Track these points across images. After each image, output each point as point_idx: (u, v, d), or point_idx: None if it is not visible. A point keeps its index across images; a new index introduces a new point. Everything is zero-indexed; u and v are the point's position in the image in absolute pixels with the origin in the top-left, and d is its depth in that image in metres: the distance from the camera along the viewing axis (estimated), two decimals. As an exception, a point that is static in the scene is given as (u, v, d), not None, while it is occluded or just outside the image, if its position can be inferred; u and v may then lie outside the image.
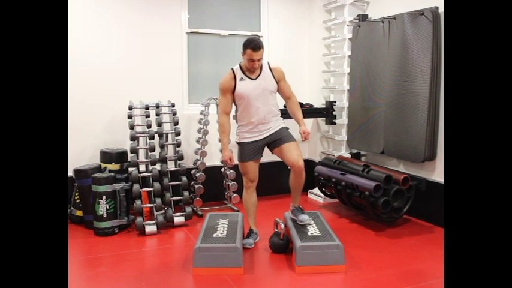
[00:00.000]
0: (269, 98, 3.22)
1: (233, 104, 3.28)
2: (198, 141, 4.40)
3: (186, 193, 3.97)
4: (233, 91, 3.19)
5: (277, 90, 3.28)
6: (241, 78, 3.18)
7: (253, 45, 3.04)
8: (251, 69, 3.15)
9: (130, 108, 4.07)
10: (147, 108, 4.09)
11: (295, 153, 3.19)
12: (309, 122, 5.18)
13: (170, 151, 4.19)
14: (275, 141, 3.24)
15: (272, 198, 4.75)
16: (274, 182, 4.90)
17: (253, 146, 3.23)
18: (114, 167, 3.98)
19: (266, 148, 3.31)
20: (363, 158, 4.62)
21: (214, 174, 4.53)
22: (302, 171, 3.22)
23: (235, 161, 3.32)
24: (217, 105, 4.43)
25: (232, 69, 3.24)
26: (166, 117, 4.21)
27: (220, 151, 4.48)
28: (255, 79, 3.18)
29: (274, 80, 3.22)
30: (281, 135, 3.23)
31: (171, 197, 3.95)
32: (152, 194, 3.90)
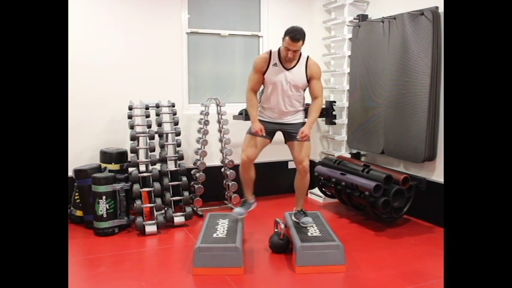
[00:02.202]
0: (295, 93, 3.17)
1: (262, 84, 3.23)
2: (198, 141, 4.40)
3: (186, 193, 3.97)
4: (264, 73, 3.13)
5: (307, 87, 3.20)
6: (275, 64, 3.11)
7: (293, 34, 2.94)
8: (286, 58, 3.07)
9: (130, 108, 4.07)
10: (147, 108, 4.09)
11: (303, 152, 3.19)
12: (309, 122, 5.18)
13: (170, 151, 4.19)
14: (291, 134, 3.21)
15: (272, 198, 4.75)
16: (274, 182, 4.91)
17: (266, 126, 3.21)
18: (114, 167, 3.98)
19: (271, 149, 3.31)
20: (363, 158, 4.62)
21: (214, 174, 4.53)
22: (306, 172, 3.22)
23: (263, 133, 3.17)
24: (217, 105, 4.44)
25: (271, 51, 3.14)
26: (166, 117, 4.21)
27: (221, 151, 4.49)
28: (288, 69, 3.11)
29: (306, 76, 3.14)
30: (297, 131, 3.17)
31: (171, 197, 3.94)
32: (152, 194, 3.90)
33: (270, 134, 3.28)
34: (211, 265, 2.86)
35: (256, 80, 3.18)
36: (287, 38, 2.97)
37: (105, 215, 3.62)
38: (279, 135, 3.34)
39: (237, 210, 3.27)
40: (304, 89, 3.23)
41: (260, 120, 3.21)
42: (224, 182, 4.49)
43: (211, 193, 4.46)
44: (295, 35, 2.94)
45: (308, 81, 3.16)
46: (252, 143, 3.22)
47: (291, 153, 3.29)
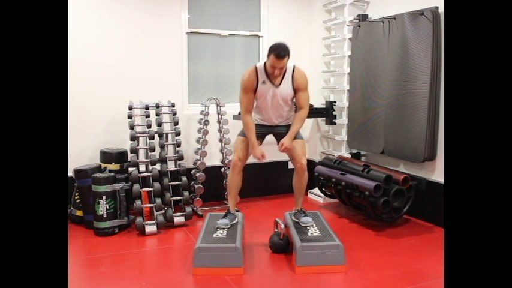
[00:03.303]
0: (284, 105, 3.18)
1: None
2: (198, 141, 4.40)
3: (186, 193, 3.97)
4: (254, 91, 3.12)
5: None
6: (263, 82, 3.09)
7: (277, 52, 2.90)
8: (273, 75, 3.04)
9: (130, 108, 4.07)
10: (147, 108, 4.09)
11: (300, 151, 3.21)
12: (309, 122, 5.19)
13: (170, 151, 4.19)
14: (283, 135, 3.21)
15: (272, 198, 4.75)
16: (274, 182, 4.91)
17: (258, 129, 3.22)
18: (114, 167, 3.98)
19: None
20: (363, 158, 4.62)
21: (214, 174, 4.53)
22: (304, 171, 3.24)
23: (267, 158, 3.18)
24: (217, 105, 4.44)
25: (256, 68, 3.09)
26: (166, 117, 4.21)
27: (221, 151, 4.49)
28: (276, 86, 3.09)
29: (293, 88, 3.12)
30: (292, 122, 3.20)
31: (171, 197, 3.94)
32: (152, 194, 3.90)
33: (261, 137, 3.30)
34: (211, 265, 2.86)
35: (248, 101, 3.14)
36: (272, 56, 2.92)
37: (105, 215, 3.62)
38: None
39: (222, 221, 3.24)
40: (292, 100, 3.23)
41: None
42: (224, 182, 4.49)
43: (211, 193, 4.46)
44: (280, 52, 2.90)
45: (295, 92, 3.15)
46: (243, 145, 3.23)
47: (287, 154, 3.29)
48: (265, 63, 3.08)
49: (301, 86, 3.13)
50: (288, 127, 3.23)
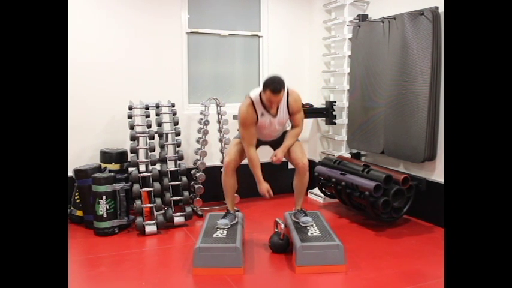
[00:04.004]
0: (280, 128, 3.25)
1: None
2: (198, 141, 4.40)
3: (186, 193, 3.97)
4: (255, 123, 3.13)
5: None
6: (262, 114, 3.10)
7: (273, 87, 2.90)
8: (270, 107, 3.06)
9: (130, 108, 4.07)
10: (147, 108, 4.09)
11: (300, 153, 3.23)
12: (309, 122, 5.19)
13: (170, 151, 4.19)
14: (279, 142, 3.26)
15: (272, 198, 4.70)
16: (274, 182, 4.86)
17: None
18: (114, 167, 3.98)
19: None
20: (363, 158, 4.62)
21: (214, 174, 4.52)
22: (306, 171, 3.25)
23: (272, 194, 3.22)
24: (217, 105, 4.44)
25: (252, 100, 3.08)
26: (166, 117, 4.21)
27: (221, 151, 4.49)
28: (274, 115, 3.13)
29: (288, 112, 3.17)
30: (285, 136, 3.26)
31: (171, 197, 3.94)
32: (152, 194, 3.90)
33: (257, 145, 3.31)
34: (211, 265, 2.86)
35: (251, 135, 3.14)
36: (268, 91, 2.91)
37: (105, 215, 3.62)
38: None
39: (222, 221, 3.25)
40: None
41: None
42: (224, 182, 4.49)
43: (211, 193, 4.46)
44: (275, 87, 2.90)
45: (290, 115, 3.20)
46: (237, 148, 3.24)
47: (286, 158, 3.30)
48: (260, 94, 3.07)
49: (296, 109, 3.19)
50: (283, 135, 3.28)
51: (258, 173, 3.18)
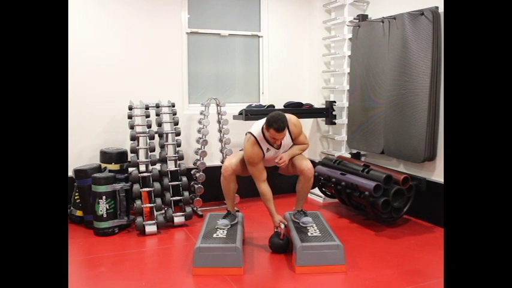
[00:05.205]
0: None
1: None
2: (198, 141, 4.40)
3: (186, 193, 3.97)
4: (262, 159, 3.17)
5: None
6: (268, 149, 3.15)
7: (276, 126, 2.92)
8: (274, 143, 3.11)
9: (130, 108, 4.07)
10: (147, 108, 4.09)
11: (304, 159, 3.27)
12: (309, 122, 5.19)
13: (170, 151, 4.19)
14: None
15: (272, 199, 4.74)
16: (274, 182, 4.88)
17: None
18: (114, 167, 3.98)
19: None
20: (363, 158, 4.62)
21: (214, 174, 4.51)
22: (311, 176, 3.26)
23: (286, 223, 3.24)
24: (217, 105, 4.44)
25: (256, 139, 3.10)
26: (166, 117, 4.21)
27: (221, 151, 4.49)
28: (278, 147, 3.18)
29: (291, 139, 3.22)
30: (287, 148, 3.27)
31: (171, 197, 3.94)
32: (152, 194, 3.90)
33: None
34: (211, 265, 2.86)
35: (260, 171, 3.17)
36: (272, 130, 2.94)
37: (105, 215, 3.62)
38: None
39: (222, 221, 3.26)
40: None
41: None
42: (224, 182, 4.48)
43: (211, 193, 4.46)
44: (279, 126, 2.92)
45: (293, 140, 3.24)
46: (239, 159, 3.25)
47: (290, 169, 3.31)
48: (262, 130, 3.09)
49: (297, 133, 3.24)
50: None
51: (271, 207, 3.20)
